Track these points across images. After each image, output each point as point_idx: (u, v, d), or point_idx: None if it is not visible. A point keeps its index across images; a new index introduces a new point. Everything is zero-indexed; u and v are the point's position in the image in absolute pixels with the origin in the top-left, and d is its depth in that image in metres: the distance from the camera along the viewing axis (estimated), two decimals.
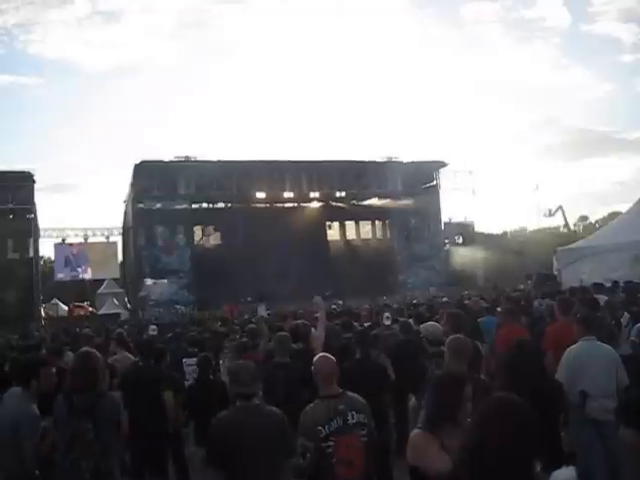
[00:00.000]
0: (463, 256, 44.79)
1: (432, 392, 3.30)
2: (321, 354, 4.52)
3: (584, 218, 79.88)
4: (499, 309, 9.49)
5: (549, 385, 4.66)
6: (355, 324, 9.48)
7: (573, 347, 5.53)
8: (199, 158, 43.26)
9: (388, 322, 10.27)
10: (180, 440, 6.83)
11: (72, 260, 45.53)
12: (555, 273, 21.66)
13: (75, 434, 4.34)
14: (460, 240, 49.46)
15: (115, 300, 42.43)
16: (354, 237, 51.45)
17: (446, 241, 49.97)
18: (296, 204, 48.31)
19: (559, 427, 4.79)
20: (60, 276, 46.15)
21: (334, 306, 18.81)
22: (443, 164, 48.37)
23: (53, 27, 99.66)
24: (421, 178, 49.09)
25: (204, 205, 46.24)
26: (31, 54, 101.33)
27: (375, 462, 4.31)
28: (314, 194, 47.35)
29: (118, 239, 48.63)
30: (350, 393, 4.20)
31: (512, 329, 7.30)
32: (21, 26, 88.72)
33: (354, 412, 4.05)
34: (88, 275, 45.89)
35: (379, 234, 52.04)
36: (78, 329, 16.68)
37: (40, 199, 47.39)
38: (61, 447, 4.42)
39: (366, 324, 11.03)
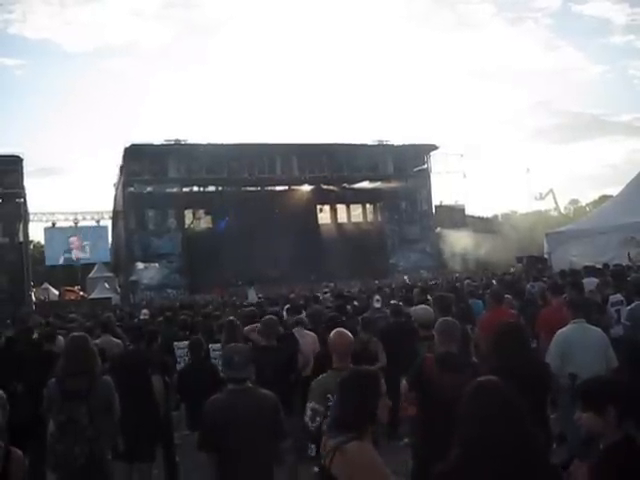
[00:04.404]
0: (454, 239, 44.82)
1: (351, 392, 2.95)
2: (338, 329, 4.71)
3: (575, 201, 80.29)
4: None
5: (536, 367, 4.68)
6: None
7: (563, 330, 5.58)
8: (189, 141, 43.03)
9: (378, 305, 10.35)
10: (170, 425, 6.83)
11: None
12: (545, 256, 21.76)
13: (69, 418, 4.33)
14: (451, 223, 49.44)
15: (106, 284, 42.28)
16: (345, 220, 51.44)
17: (436, 224, 49.98)
18: (287, 187, 48.13)
19: (547, 409, 4.83)
20: (51, 261, 45.88)
21: (326, 290, 18.82)
22: (434, 147, 48.28)
23: (34, 6, 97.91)
24: (412, 161, 48.98)
25: (195, 188, 45.97)
26: (12, 34, 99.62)
27: None
28: (305, 177, 47.16)
29: (108, 223, 48.40)
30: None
31: (497, 312, 7.32)
32: (0, 5, 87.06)
33: None
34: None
35: (370, 217, 52.03)
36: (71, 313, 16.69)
37: (29, 183, 46.81)
38: (55, 432, 4.41)
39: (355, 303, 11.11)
